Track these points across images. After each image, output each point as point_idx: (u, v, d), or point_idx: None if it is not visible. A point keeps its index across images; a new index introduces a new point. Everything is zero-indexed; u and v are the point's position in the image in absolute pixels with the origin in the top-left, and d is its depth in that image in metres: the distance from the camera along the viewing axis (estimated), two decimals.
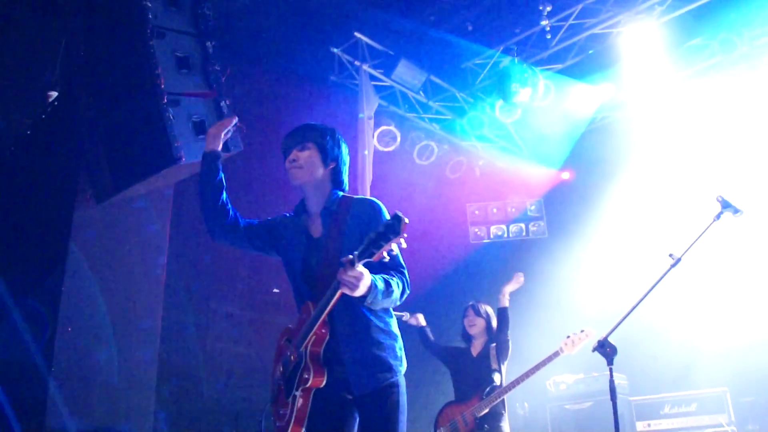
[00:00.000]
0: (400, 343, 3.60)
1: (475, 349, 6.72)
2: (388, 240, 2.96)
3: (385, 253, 3.01)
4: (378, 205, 3.66)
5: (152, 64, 5.29)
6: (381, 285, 3.28)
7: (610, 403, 4.15)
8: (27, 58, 6.95)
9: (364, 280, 3.14)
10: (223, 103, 5.57)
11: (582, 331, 6.07)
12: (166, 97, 5.28)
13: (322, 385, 3.38)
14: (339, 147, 3.81)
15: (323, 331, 3.40)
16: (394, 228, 2.95)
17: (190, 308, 8.13)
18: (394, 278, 3.44)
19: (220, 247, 8.42)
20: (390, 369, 3.47)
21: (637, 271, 7.25)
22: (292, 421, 3.37)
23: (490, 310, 6.85)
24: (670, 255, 4.26)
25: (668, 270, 4.27)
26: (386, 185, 9.31)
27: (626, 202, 9.37)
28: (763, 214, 7.55)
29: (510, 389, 6.21)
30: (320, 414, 3.42)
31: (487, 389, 6.32)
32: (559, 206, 10.51)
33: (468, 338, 6.82)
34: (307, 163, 3.68)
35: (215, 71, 5.62)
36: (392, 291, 3.37)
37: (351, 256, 3.05)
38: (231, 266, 8.64)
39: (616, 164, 9.57)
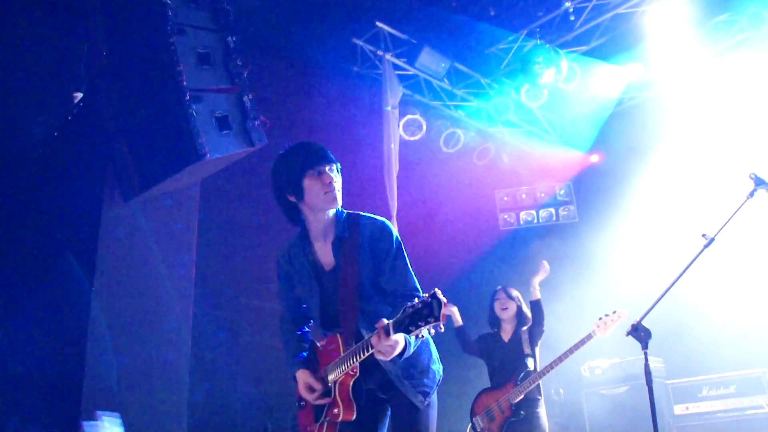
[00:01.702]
0: (434, 353, 3.59)
1: (506, 333, 6.68)
2: (427, 323, 2.81)
3: (423, 332, 2.88)
4: (388, 227, 3.54)
5: (173, 61, 5.30)
6: (413, 339, 3.18)
7: (646, 387, 4.08)
8: (52, 59, 7.02)
9: (398, 346, 3.08)
10: (245, 98, 5.57)
11: (614, 312, 6.09)
12: (188, 93, 5.29)
13: (352, 419, 3.36)
14: None
15: (352, 372, 3.34)
16: (432, 311, 2.79)
17: (221, 305, 8.16)
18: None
19: (249, 246, 8.46)
20: (425, 381, 3.47)
21: (671, 253, 7.12)
22: None
23: (519, 294, 6.82)
24: (703, 235, 4.17)
25: (701, 250, 4.19)
26: (413, 175, 9.27)
27: (657, 182, 9.23)
28: None
29: (544, 374, 6.20)
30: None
31: (521, 375, 6.29)
32: (589, 190, 10.39)
33: (496, 322, 6.77)
34: (339, 186, 3.50)
35: (237, 66, 5.61)
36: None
37: (386, 323, 2.96)
38: (260, 262, 8.65)
39: (645, 145, 9.44)
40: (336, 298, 3.47)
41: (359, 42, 8.81)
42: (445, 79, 9.36)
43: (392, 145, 8.47)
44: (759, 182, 4.16)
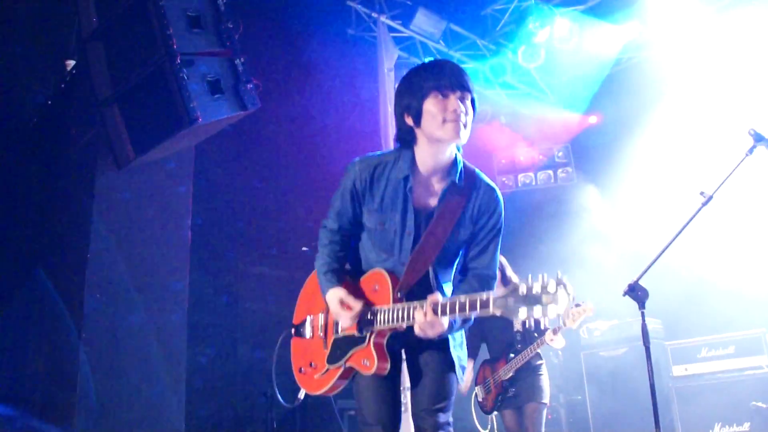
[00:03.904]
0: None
1: None
2: (545, 314, 2.47)
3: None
4: (501, 202, 3.16)
5: (163, 24, 5.22)
6: (459, 323, 2.99)
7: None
8: (44, 28, 6.94)
9: (442, 329, 2.84)
10: (237, 61, 5.49)
11: (578, 305, 5.96)
12: (179, 57, 5.21)
13: (386, 372, 3.06)
14: None
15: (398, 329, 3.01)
16: (558, 305, 2.44)
17: (221, 270, 8.16)
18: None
19: (248, 210, 8.42)
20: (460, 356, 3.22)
21: (670, 213, 7.09)
22: (326, 390, 3.25)
23: (503, 259, 6.72)
24: (701, 193, 4.11)
25: (700, 209, 4.13)
26: None
27: (655, 143, 9.15)
28: None
29: (529, 355, 6.17)
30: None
31: (511, 354, 6.32)
32: (587, 151, 10.32)
33: None
34: (470, 122, 2.99)
35: (228, 29, 5.53)
36: (470, 321, 3.03)
37: (437, 300, 2.74)
38: (260, 227, 8.63)
39: (643, 106, 9.34)
40: (414, 243, 3.07)
41: (354, 4, 8.69)
42: (440, 41, 9.25)
43: (389, 108, 8.39)
44: (758, 138, 4.09)
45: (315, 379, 3.30)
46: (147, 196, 6.19)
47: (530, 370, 6.28)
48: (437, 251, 3.05)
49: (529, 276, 2.58)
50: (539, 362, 6.39)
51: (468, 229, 3.10)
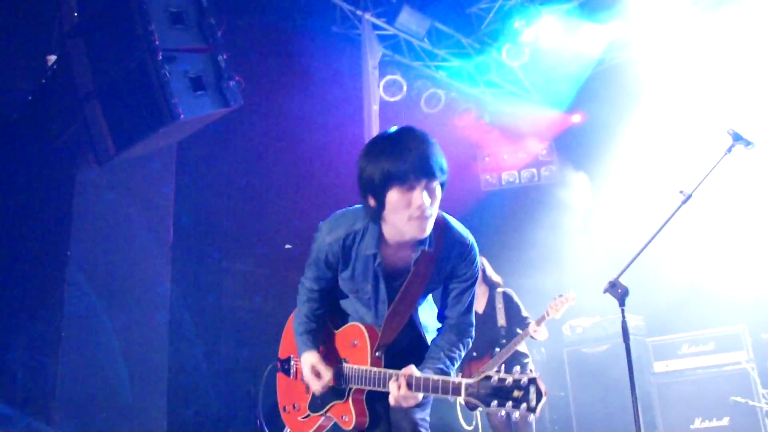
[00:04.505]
0: None
1: (479, 302, 6.66)
2: (515, 407, 2.46)
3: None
4: (475, 252, 3.11)
5: (145, 20, 5.19)
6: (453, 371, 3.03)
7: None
8: (25, 23, 6.88)
9: (417, 401, 2.85)
10: (220, 58, 5.47)
11: (561, 296, 6.30)
12: (161, 53, 5.18)
13: (365, 426, 3.10)
14: None
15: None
16: (528, 399, 2.44)
17: (204, 268, 8.12)
18: (455, 353, 3.08)
19: (232, 209, 8.39)
20: None
21: (652, 211, 7.14)
22: None
23: (482, 260, 6.79)
24: (681, 191, 4.14)
25: (679, 207, 4.16)
26: None
27: (638, 142, 9.20)
28: None
29: (513, 347, 6.33)
30: None
31: (496, 349, 6.37)
32: (571, 149, 10.37)
33: None
34: (436, 208, 2.85)
35: (210, 25, 5.51)
36: (449, 374, 3.01)
37: (411, 374, 2.77)
38: (243, 225, 8.60)
39: (626, 105, 9.38)
40: (388, 304, 3.07)
41: (338, 1, 8.67)
42: (425, 39, 9.25)
43: (374, 107, 8.38)
44: (737, 138, 4.13)
45: (298, 420, 3.36)
46: (129, 194, 6.16)
47: (517, 366, 6.32)
48: (411, 309, 3.09)
49: (502, 367, 2.64)
50: (525, 360, 6.47)
51: (441, 283, 3.12)
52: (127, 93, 5.52)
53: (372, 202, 2.84)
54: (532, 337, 6.32)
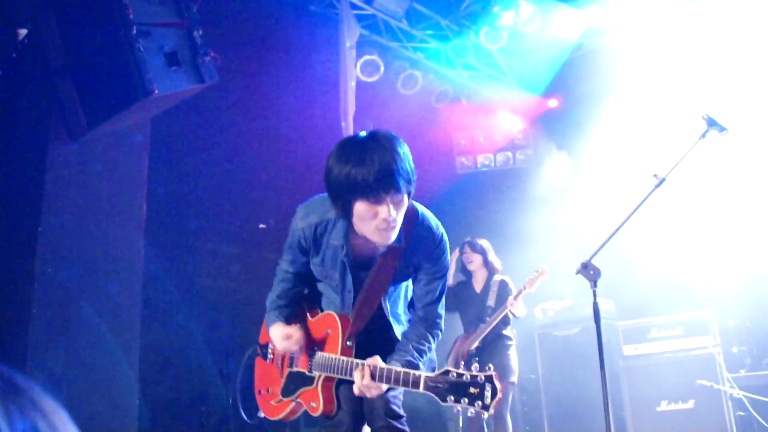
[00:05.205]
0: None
1: (477, 284, 7.00)
2: (471, 404, 2.51)
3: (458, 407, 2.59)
4: (445, 244, 3.12)
5: None
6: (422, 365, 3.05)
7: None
8: None
9: (380, 391, 2.91)
10: (195, 33, 5.40)
11: (536, 271, 6.59)
12: (135, 27, 5.11)
13: (333, 413, 3.17)
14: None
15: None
16: (483, 397, 2.49)
17: (177, 246, 8.07)
18: (424, 345, 3.11)
19: (205, 186, 8.34)
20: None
21: (625, 195, 7.20)
22: (281, 418, 3.36)
23: (486, 243, 7.08)
24: (655, 175, 4.17)
25: (652, 190, 4.20)
26: (370, 116, 9.17)
27: (614, 127, 9.24)
28: (751, 134, 7.49)
29: (493, 324, 6.55)
30: None
31: (480, 325, 6.67)
32: (547, 134, 10.41)
33: (468, 273, 7.09)
34: (401, 218, 2.85)
35: (186, 0, 5.42)
36: (418, 366, 3.04)
37: (376, 365, 2.82)
38: (215, 203, 8.55)
39: (602, 90, 9.42)
40: (354, 293, 3.13)
41: None
42: (403, 20, 9.20)
43: (351, 84, 8.34)
44: (711, 123, 4.16)
45: (271, 404, 3.40)
46: (101, 169, 6.07)
47: (499, 349, 6.60)
48: (380, 298, 3.12)
49: (461, 363, 2.68)
50: (509, 342, 6.74)
51: (410, 274, 3.16)
52: (101, 68, 5.43)
53: (339, 208, 2.87)
54: (511, 313, 6.55)
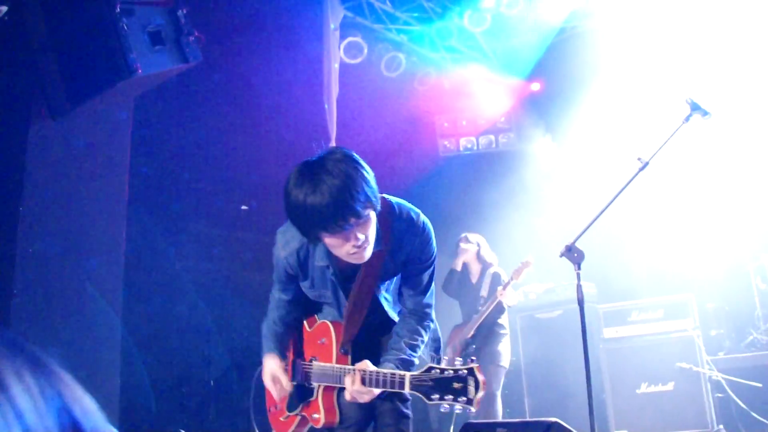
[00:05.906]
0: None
1: (473, 276, 7.41)
2: (455, 401, 2.52)
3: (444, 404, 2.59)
4: (428, 233, 3.07)
5: None
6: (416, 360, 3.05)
7: (579, 309, 4.16)
8: None
9: (372, 395, 2.91)
10: (180, 13, 5.36)
11: (521, 262, 6.94)
12: (119, 6, 5.06)
13: (335, 423, 3.17)
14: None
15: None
16: (466, 391, 2.51)
17: (160, 227, 8.02)
18: (417, 339, 3.09)
19: (189, 167, 8.28)
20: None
21: (608, 178, 7.24)
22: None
23: (480, 238, 7.49)
24: (638, 159, 4.20)
25: (636, 174, 4.23)
26: (353, 98, 9.14)
27: (597, 111, 9.27)
28: (733, 118, 7.55)
29: (485, 313, 6.94)
30: None
31: (474, 316, 7.07)
32: (529, 117, 10.42)
33: (465, 264, 7.50)
34: (372, 235, 2.81)
35: None
36: (412, 362, 3.04)
37: (365, 369, 2.83)
38: (198, 184, 8.50)
39: (585, 74, 9.45)
40: (346, 301, 3.11)
41: None
42: (386, 2, 9.16)
43: (335, 65, 8.30)
44: (695, 107, 4.19)
45: (280, 420, 3.40)
46: (82, 148, 6.01)
47: (493, 336, 7.03)
48: (369, 299, 3.09)
49: (444, 359, 2.67)
50: (503, 331, 7.15)
51: (398, 269, 3.12)
52: (84, 46, 5.37)
53: (307, 238, 2.86)
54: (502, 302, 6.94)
